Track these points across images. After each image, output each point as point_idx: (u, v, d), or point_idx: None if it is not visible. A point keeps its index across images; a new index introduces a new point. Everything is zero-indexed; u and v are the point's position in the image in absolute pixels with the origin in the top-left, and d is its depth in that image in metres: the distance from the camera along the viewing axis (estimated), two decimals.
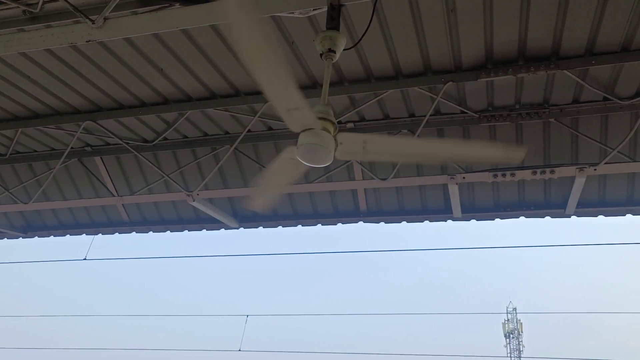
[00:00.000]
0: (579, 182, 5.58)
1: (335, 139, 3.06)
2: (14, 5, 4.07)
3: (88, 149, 6.72)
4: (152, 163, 6.55)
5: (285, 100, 2.87)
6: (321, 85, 5.00)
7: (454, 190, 5.94)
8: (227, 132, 6.22)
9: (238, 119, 5.87)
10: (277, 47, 2.65)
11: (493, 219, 6.68)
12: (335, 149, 3.10)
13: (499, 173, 5.58)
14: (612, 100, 5.01)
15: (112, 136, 6.15)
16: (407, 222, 6.92)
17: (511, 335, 55.49)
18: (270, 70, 2.67)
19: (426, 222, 6.88)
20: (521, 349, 54.80)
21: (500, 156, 3.17)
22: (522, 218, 6.56)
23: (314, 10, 3.62)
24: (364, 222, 7.06)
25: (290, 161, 3.32)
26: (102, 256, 9.36)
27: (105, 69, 5.12)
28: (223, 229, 7.64)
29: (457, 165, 5.77)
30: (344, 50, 3.45)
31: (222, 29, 4.48)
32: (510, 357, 54.72)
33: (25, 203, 7.14)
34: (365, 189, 6.70)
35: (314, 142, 2.98)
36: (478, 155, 3.25)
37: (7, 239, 8.61)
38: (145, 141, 6.41)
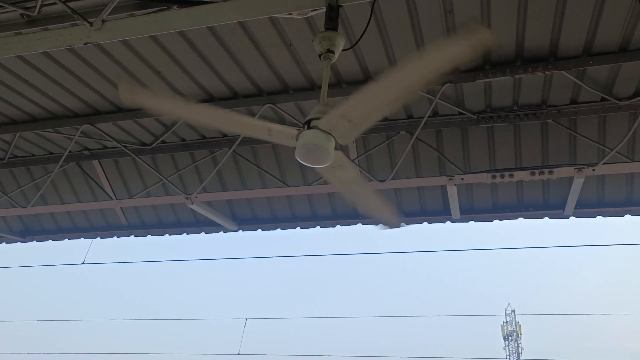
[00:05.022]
0: (578, 183, 5.58)
1: (328, 133, 3.03)
2: (12, 8, 4.07)
3: (86, 152, 6.70)
4: (150, 166, 6.54)
5: (255, 130, 2.91)
6: (319, 87, 4.99)
7: (452, 192, 5.94)
8: (225, 135, 6.22)
9: None
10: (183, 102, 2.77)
11: (492, 220, 6.67)
12: (335, 143, 3.07)
13: (498, 174, 5.58)
14: (610, 100, 5.01)
15: (110, 140, 6.15)
16: (406, 223, 6.90)
17: (510, 337, 55.53)
18: (225, 118, 2.69)
19: (425, 223, 6.87)
20: (520, 351, 54.83)
21: (468, 46, 2.56)
22: (520, 219, 6.56)
23: (312, 11, 3.62)
24: (363, 224, 7.05)
25: (333, 170, 3.34)
26: (100, 260, 9.35)
27: (103, 72, 5.11)
28: (222, 232, 7.62)
29: (456, 166, 5.77)
30: (342, 51, 3.45)
31: (220, 32, 4.49)
32: (509, 359, 54.71)
33: (24, 207, 7.12)
34: None
35: (307, 142, 2.98)
36: (446, 59, 2.78)
37: (6, 243, 8.59)
38: (144, 144, 6.40)
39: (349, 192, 3.91)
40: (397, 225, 4.17)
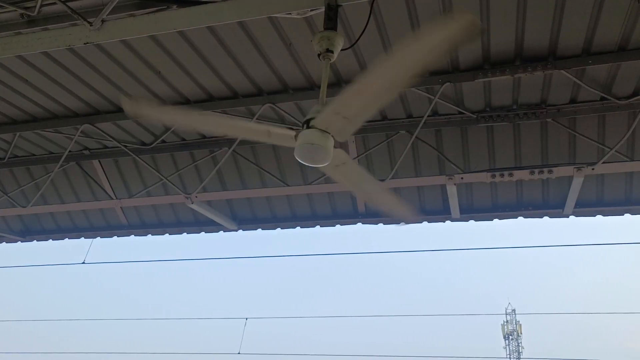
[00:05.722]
0: (577, 182, 5.59)
1: (325, 132, 3.03)
2: (11, 8, 4.08)
3: (86, 152, 6.71)
4: (150, 166, 6.54)
5: (255, 133, 2.93)
6: (319, 87, 5.00)
7: (452, 191, 5.94)
8: (225, 135, 6.22)
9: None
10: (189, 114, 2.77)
11: (491, 220, 6.68)
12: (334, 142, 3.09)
13: (497, 173, 5.59)
14: (610, 99, 5.02)
15: (110, 139, 6.15)
16: (406, 223, 6.91)
17: (510, 337, 55.48)
18: (225, 125, 2.72)
19: (424, 223, 6.88)
20: (520, 350, 54.79)
21: (454, 30, 2.43)
22: (520, 218, 6.56)
23: (311, 10, 3.63)
24: (363, 223, 7.05)
25: (337, 169, 3.36)
26: (100, 260, 9.36)
27: (102, 72, 5.12)
28: (222, 232, 7.63)
29: (455, 165, 5.78)
30: (341, 50, 3.45)
31: (219, 31, 4.49)
32: (510, 358, 54.69)
33: (24, 207, 7.13)
34: None
35: (305, 142, 2.99)
36: (434, 45, 2.54)
37: (6, 243, 8.60)
38: (144, 144, 6.41)
39: (358, 190, 3.94)
40: (414, 220, 4.28)
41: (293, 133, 3.09)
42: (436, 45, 2.51)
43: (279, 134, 3.18)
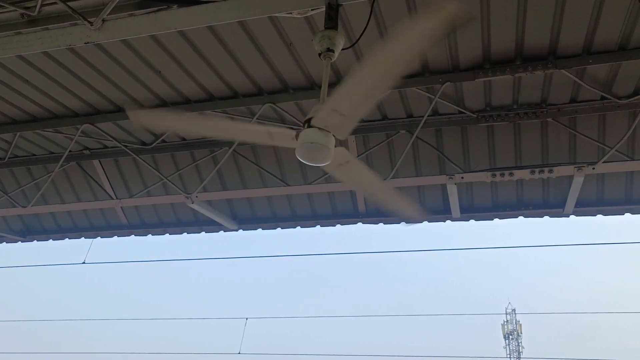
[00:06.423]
0: (577, 182, 5.58)
1: (325, 130, 3.03)
2: (12, 8, 4.07)
3: (86, 152, 6.71)
4: (150, 166, 6.54)
5: (257, 135, 2.95)
6: (319, 86, 5.00)
7: (452, 191, 5.94)
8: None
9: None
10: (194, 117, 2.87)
11: (492, 219, 6.68)
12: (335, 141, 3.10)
13: (498, 173, 5.58)
14: (610, 99, 5.02)
15: (111, 139, 6.15)
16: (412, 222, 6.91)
17: (510, 336, 55.49)
18: (227, 128, 2.71)
19: (425, 222, 6.87)
20: (520, 350, 54.80)
21: (440, 20, 2.44)
22: (520, 218, 6.56)
23: (312, 10, 3.63)
24: (363, 223, 7.06)
25: (340, 168, 3.40)
26: (100, 260, 9.36)
27: (103, 72, 5.12)
28: (222, 231, 7.63)
29: (456, 165, 5.78)
30: (342, 50, 3.45)
31: (220, 31, 4.49)
32: (510, 358, 54.70)
33: (24, 207, 7.13)
34: None
35: (306, 141, 2.98)
36: (422, 37, 2.58)
37: (6, 243, 8.60)
38: (144, 144, 6.41)
39: (362, 189, 3.97)
40: (420, 220, 4.32)
41: (294, 133, 3.09)
42: (427, 34, 2.51)
43: (280, 134, 3.18)
